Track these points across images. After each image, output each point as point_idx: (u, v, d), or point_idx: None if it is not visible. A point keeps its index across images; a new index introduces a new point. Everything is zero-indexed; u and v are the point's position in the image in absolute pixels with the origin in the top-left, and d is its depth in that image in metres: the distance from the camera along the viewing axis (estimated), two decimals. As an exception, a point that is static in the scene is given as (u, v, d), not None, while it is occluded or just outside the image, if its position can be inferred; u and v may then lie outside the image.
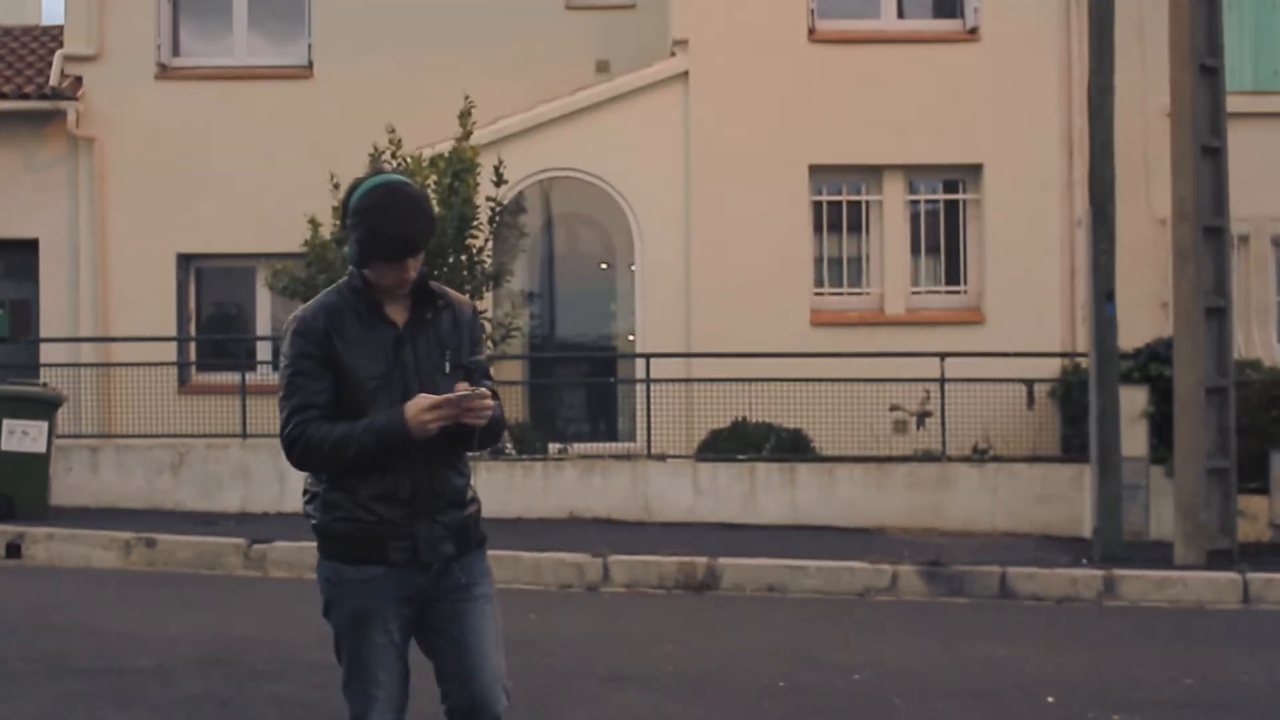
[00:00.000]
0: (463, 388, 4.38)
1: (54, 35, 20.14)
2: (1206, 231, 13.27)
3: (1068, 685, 8.52)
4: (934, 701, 8.08)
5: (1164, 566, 12.81)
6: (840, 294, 17.72)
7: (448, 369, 4.52)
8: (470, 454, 4.70)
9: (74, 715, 7.41)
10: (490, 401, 4.41)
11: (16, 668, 8.48)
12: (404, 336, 4.51)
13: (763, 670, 8.78)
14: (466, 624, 4.59)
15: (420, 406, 4.33)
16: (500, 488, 15.05)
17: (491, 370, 4.86)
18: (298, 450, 4.44)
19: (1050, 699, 8.16)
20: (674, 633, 10.12)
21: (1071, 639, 10.42)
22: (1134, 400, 14.33)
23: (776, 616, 11.15)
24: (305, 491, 4.63)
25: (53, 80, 18.85)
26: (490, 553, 12.72)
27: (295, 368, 4.48)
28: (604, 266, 18.47)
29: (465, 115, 16.26)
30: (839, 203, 17.76)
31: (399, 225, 4.36)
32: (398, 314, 4.54)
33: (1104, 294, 13.45)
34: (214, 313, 20.12)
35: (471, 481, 4.77)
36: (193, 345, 19.32)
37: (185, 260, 19.23)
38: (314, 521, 4.57)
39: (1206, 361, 13.23)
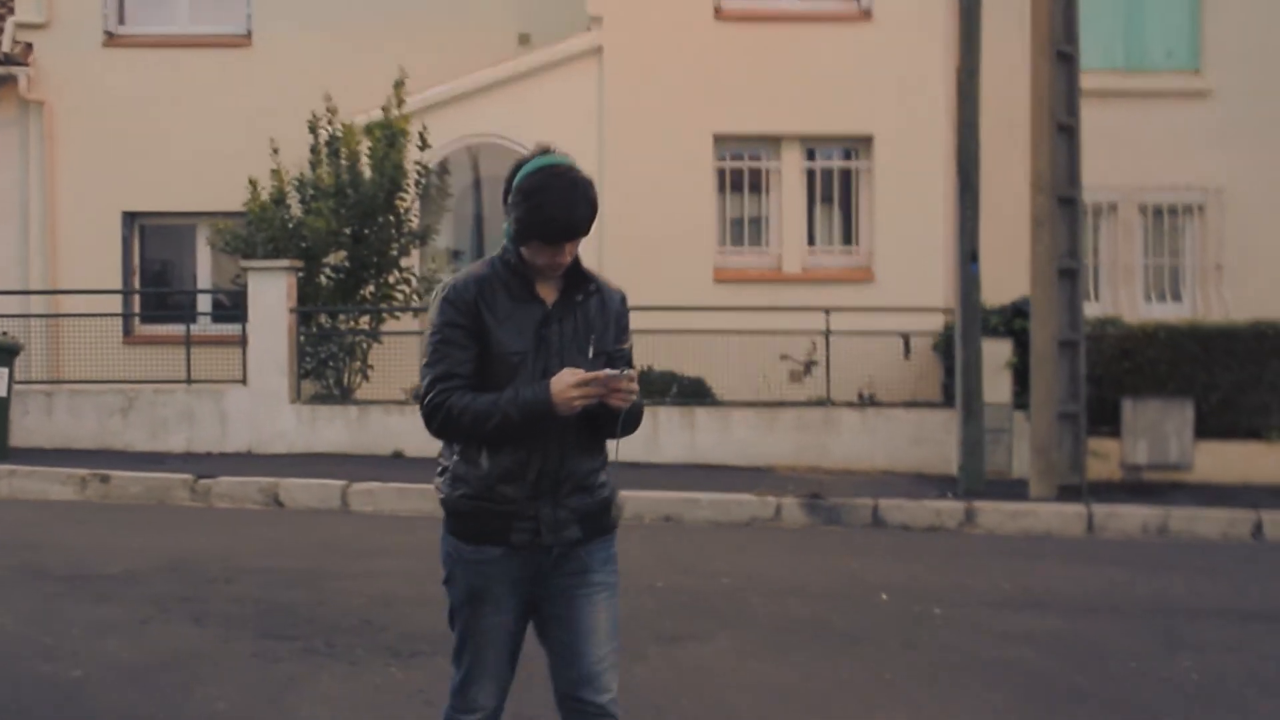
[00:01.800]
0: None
1: (4, 3, 21.13)
2: (1061, 201, 14.75)
3: (903, 588, 10.07)
4: (786, 598, 9.58)
5: (1020, 500, 14.30)
6: (742, 253, 19.11)
7: (590, 353, 4.44)
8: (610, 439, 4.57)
9: (61, 610, 8.81)
10: (636, 385, 4.32)
11: (3, 575, 9.85)
12: (551, 315, 4.45)
13: (645, 576, 10.22)
14: (578, 608, 4.50)
15: (567, 382, 4.24)
16: (425, 430, 16.32)
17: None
18: (438, 419, 4.38)
19: (884, 596, 9.69)
20: (575, 551, 11.49)
21: (922, 557, 11.92)
22: (999, 352, 15.81)
23: (667, 540, 12.57)
24: (438, 465, 4.60)
25: (4, 46, 19.84)
26: (413, 486, 14.13)
27: (442, 335, 4.41)
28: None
29: (399, 85, 17.56)
30: (741, 169, 19.13)
31: (560, 210, 4.30)
32: (548, 293, 4.49)
33: (969, 256, 14.87)
34: (157, 268, 21.19)
35: (606, 466, 4.65)
36: (137, 298, 20.45)
37: (130, 218, 20.34)
38: (441, 496, 4.55)
39: (1060, 318, 14.73)
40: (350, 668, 7.59)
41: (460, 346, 4.38)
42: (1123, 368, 16.21)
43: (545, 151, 4.44)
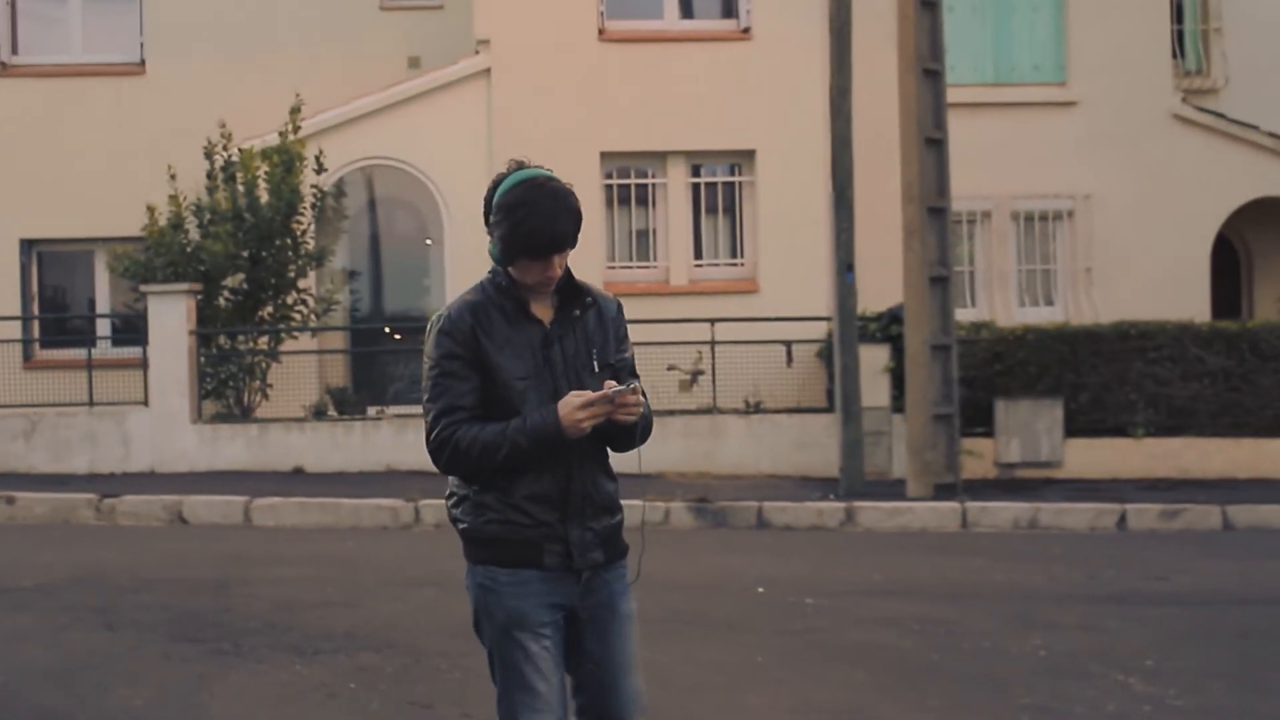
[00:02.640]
0: (611, 385, 4.22)
1: (-104, 34, 21.36)
2: (931, 211, 15.45)
3: (779, 581, 10.69)
4: (667, 593, 10.11)
5: (898, 499, 14.97)
6: (630, 267, 19.66)
7: (595, 368, 4.36)
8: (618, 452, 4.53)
9: (-25, 621, 9.23)
10: (641, 398, 4.26)
11: (-82, 592, 10.24)
12: (551, 335, 4.37)
13: (538, 577, 10.76)
14: (609, 641, 4.46)
15: (573, 405, 4.17)
16: (325, 445, 16.82)
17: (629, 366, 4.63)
18: (446, 454, 4.29)
19: (760, 589, 10.31)
20: (471, 556, 12.04)
21: (801, 554, 12.56)
22: (876, 357, 16.51)
23: (561, 544, 13.08)
24: (450, 495, 4.50)
25: (-102, 78, 20.13)
26: (313, 500, 14.61)
27: (441, 369, 4.33)
28: (429, 243, 20.19)
29: (295, 111, 17.99)
30: (628, 185, 19.72)
31: (544, 221, 4.21)
32: (543, 312, 4.40)
33: (844, 266, 15.54)
34: (55, 294, 21.47)
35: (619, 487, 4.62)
36: (36, 323, 20.72)
37: (28, 245, 20.62)
38: (463, 525, 4.43)
39: (932, 323, 15.41)
40: (257, 666, 8.10)
41: (460, 378, 4.30)
42: (995, 370, 16.94)
43: (521, 166, 4.39)
